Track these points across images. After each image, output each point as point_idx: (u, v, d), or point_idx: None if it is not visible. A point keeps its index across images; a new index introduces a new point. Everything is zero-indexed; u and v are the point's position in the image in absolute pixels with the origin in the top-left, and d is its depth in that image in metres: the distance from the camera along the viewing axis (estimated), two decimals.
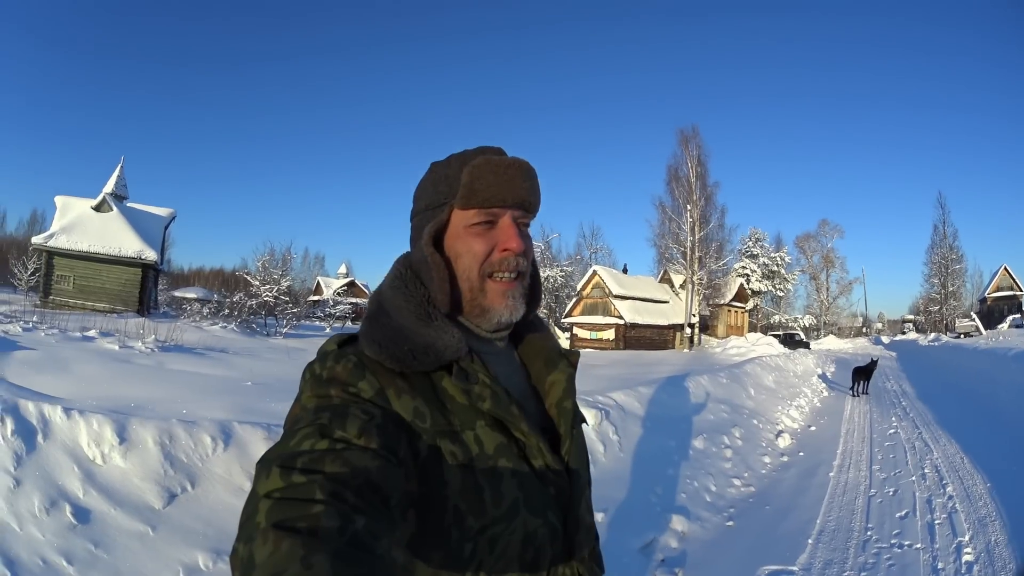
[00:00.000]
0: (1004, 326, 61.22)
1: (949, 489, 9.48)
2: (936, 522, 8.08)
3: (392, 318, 1.45)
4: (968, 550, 7.10)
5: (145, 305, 44.82)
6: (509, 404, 1.40)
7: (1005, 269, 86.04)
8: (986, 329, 60.22)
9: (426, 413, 1.34)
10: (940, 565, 6.78)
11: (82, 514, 4.95)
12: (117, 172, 48.40)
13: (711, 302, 63.24)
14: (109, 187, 46.85)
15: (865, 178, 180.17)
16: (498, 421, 1.40)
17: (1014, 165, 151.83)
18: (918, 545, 7.35)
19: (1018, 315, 70.22)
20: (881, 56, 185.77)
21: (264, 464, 1.12)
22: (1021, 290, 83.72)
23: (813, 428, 15.92)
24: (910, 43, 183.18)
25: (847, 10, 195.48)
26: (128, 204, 48.01)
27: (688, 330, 55.97)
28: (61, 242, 43.26)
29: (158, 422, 5.94)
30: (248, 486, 5.60)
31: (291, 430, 1.21)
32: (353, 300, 67.69)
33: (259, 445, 6.12)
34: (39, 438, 5.42)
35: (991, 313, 79.40)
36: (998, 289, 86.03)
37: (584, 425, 1.77)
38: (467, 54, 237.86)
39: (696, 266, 55.71)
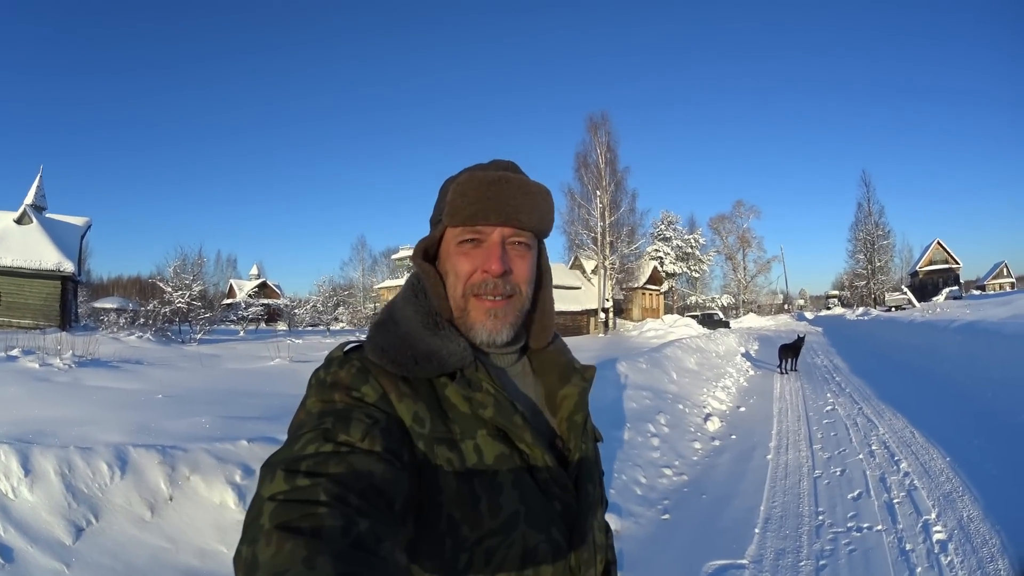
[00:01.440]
0: (940, 298, 63.81)
1: (904, 465, 9.41)
2: (895, 501, 7.94)
3: (400, 326, 1.47)
4: (938, 528, 6.94)
5: (66, 319, 44.48)
6: (512, 414, 1.40)
7: (939, 243, 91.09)
8: (919, 302, 61.93)
9: (425, 419, 1.35)
10: (908, 546, 6.59)
11: (6, 552, 5.04)
12: (36, 182, 47.71)
13: (624, 286, 64.68)
14: (29, 198, 46.19)
15: (784, 158, 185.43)
16: (501, 431, 1.40)
17: (945, 143, 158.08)
18: (879, 527, 7.18)
19: (955, 287, 73.16)
20: (795, 33, 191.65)
21: (268, 467, 1.15)
22: (957, 263, 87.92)
23: (743, 409, 16.04)
24: (826, 19, 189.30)
25: None
26: (47, 215, 47.35)
27: (602, 315, 56.80)
28: None
29: (57, 450, 5.96)
30: (148, 516, 5.80)
31: (295, 435, 1.24)
32: (265, 301, 68.02)
33: (155, 471, 6.13)
34: None
35: (924, 286, 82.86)
36: (931, 263, 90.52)
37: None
38: (370, 48, 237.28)
39: (607, 251, 57.06)
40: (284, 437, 1.30)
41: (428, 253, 1.58)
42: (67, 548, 5.18)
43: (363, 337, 1.50)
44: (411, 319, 1.47)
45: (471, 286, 1.48)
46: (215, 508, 6.02)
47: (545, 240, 1.64)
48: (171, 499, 5.90)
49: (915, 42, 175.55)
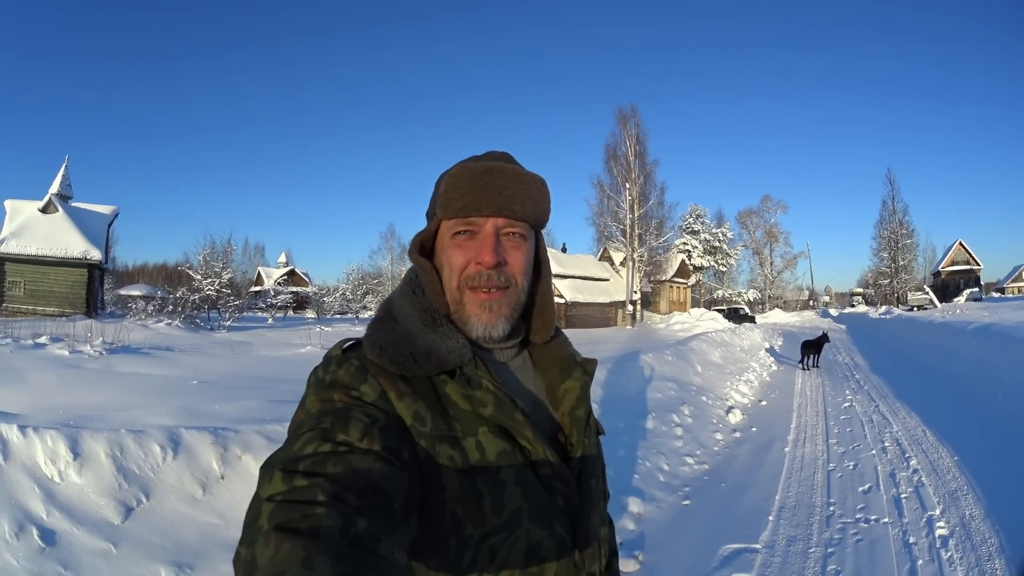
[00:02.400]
0: (960, 299, 62.98)
1: (913, 463, 9.59)
2: (903, 496, 8.15)
3: (398, 323, 1.47)
4: (941, 524, 7.15)
5: (93, 306, 44.52)
6: (513, 410, 1.40)
7: (960, 244, 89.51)
8: (940, 302, 61.42)
9: (426, 417, 1.35)
10: (912, 539, 6.82)
11: (48, 536, 4.98)
12: (61, 172, 47.80)
13: (652, 278, 64.13)
14: (54, 187, 46.36)
15: (812, 154, 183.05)
16: (502, 428, 1.39)
17: (969, 145, 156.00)
18: (885, 519, 7.40)
19: (975, 289, 72.48)
20: (827, 32, 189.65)
21: (267, 468, 1.15)
22: (978, 264, 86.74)
23: (764, 403, 16.15)
24: (858, 19, 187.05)
25: None
26: (72, 203, 47.49)
27: (630, 307, 56.55)
28: (11, 247, 42.87)
29: (108, 434, 5.93)
30: (199, 494, 5.81)
31: (294, 435, 1.25)
32: (293, 289, 67.29)
33: (207, 451, 6.15)
34: (0, 460, 5.40)
35: (945, 287, 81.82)
36: (953, 263, 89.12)
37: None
38: (398, 41, 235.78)
39: (636, 243, 56.45)
40: None
41: (425, 247, 1.58)
42: (115, 528, 5.22)
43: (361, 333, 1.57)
44: (409, 316, 1.48)
45: (465, 278, 1.48)
46: None
47: (543, 231, 1.65)
48: (222, 477, 6.00)
49: (945, 43, 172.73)
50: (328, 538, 0.99)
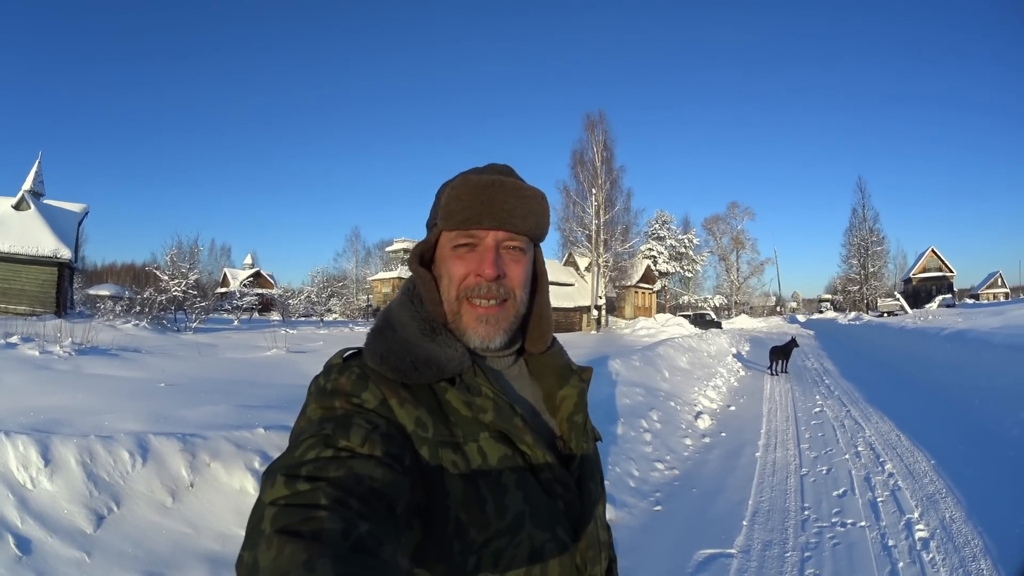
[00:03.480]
0: (933, 306, 63.91)
1: (888, 467, 9.60)
2: (879, 500, 8.13)
3: (397, 332, 1.48)
4: (920, 527, 7.12)
5: (62, 306, 43.99)
6: (512, 416, 1.41)
7: (933, 251, 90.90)
8: (912, 308, 62.10)
9: (428, 423, 1.35)
10: (891, 542, 6.79)
11: (24, 544, 4.98)
12: (35, 168, 47.32)
13: (618, 284, 64.55)
14: (28, 184, 45.75)
15: (780, 161, 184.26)
16: (503, 433, 1.40)
17: (943, 151, 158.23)
18: (862, 523, 7.38)
19: (948, 295, 73.37)
20: (795, 38, 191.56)
21: (269, 473, 1.15)
22: (951, 271, 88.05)
23: (733, 408, 16.22)
24: (825, 26, 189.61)
25: None
26: (44, 201, 46.92)
27: (595, 312, 56.72)
28: None
29: (78, 439, 5.93)
30: (169, 503, 5.82)
31: (296, 441, 1.25)
32: (259, 291, 67.22)
33: (176, 458, 6.13)
34: None
35: (917, 293, 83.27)
36: (925, 270, 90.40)
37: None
38: (362, 44, 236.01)
39: (601, 249, 56.74)
40: None
41: (424, 258, 1.60)
42: (88, 536, 5.19)
43: (359, 331, 1.50)
44: (408, 325, 1.49)
45: (464, 289, 1.50)
46: (235, 493, 6.09)
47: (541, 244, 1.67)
48: (192, 485, 5.94)
49: (912, 49, 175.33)
50: (330, 541, 0.99)
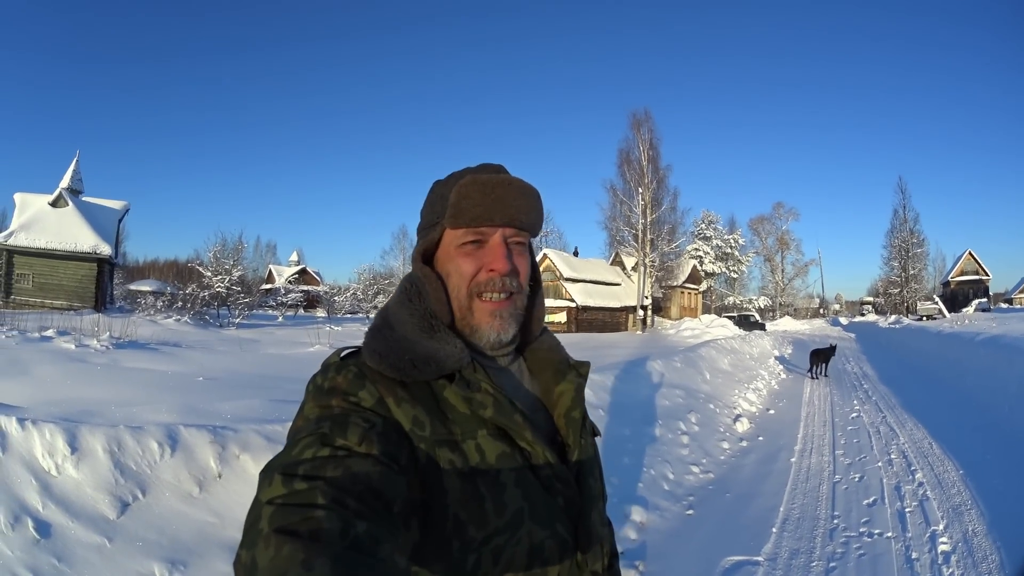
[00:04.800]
0: (969, 310, 62.97)
1: (919, 476, 9.49)
2: (907, 510, 8.07)
3: (395, 330, 1.49)
4: (944, 539, 7.08)
5: (101, 301, 44.85)
6: (512, 412, 1.41)
7: (970, 254, 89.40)
8: (950, 312, 61.31)
9: (425, 422, 1.36)
10: (914, 555, 6.74)
11: (43, 528, 4.97)
12: (72, 166, 48.41)
13: (664, 284, 64.19)
14: (65, 182, 46.86)
15: (823, 161, 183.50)
16: (501, 430, 1.41)
17: (980, 154, 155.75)
18: (889, 534, 7.32)
19: (984, 299, 72.41)
20: (839, 39, 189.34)
21: (267, 472, 1.16)
22: (987, 275, 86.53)
23: (772, 412, 16.07)
24: (871, 27, 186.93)
25: None
26: (83, 198, 47.92)
27: (641, 312, 56.33)
28: (20, 240, 43.22)
29: (107, 429, 5.89)
30: (196, 492, 5.78)
31: (293, 440, 1.25)
32: (304, 288, 67.64)
33: (205, 450, 6.10)
34: None
35: (954, 297, 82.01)
36: (962, 273, 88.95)
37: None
38: (413, 45, 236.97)
39: (648, 248, 56.45)
40: None
41: (425, 256, 1.60)
42: (110, 523, 5.17)
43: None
44: (406, 323, 1.49)
45: (476, 285, 1.50)
46: None
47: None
48: (220, 476, 5.95)
49: (955, 51, 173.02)
50: (328, 540, 1.00)
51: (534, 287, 1.68)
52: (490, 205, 1.48)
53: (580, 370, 1.69)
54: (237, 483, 5.98)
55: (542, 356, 1.69)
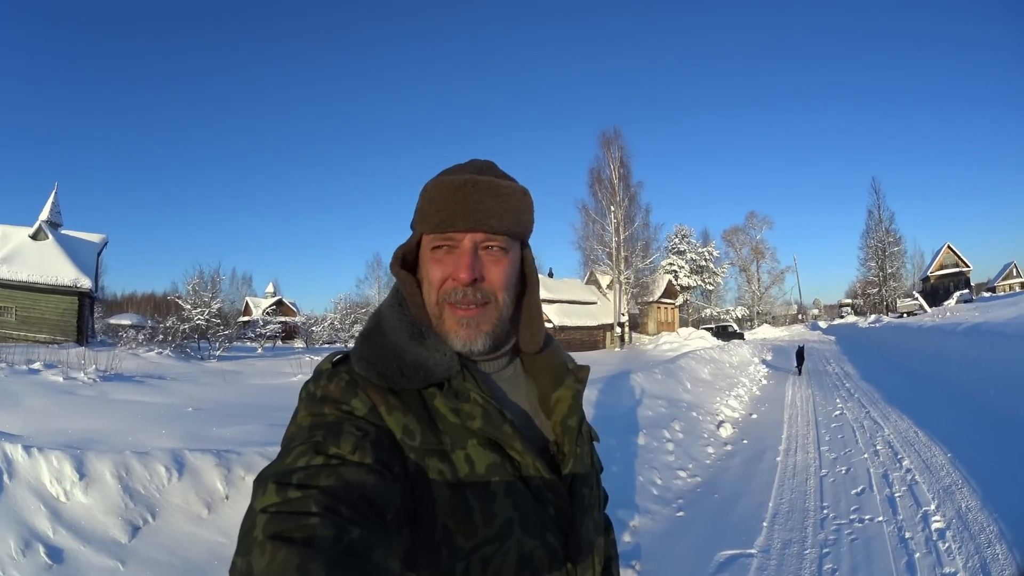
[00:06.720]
0: (951, 302, 63.22)
1: (906, 463, 9.69)
2: (896, 495, 8.25)
3: (386, 336, 1.47)
4: (937, 518, 7.25)
5: (84, 334, 44.19)
6: (501, 423, 1.40)
7: (948, 247, 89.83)
8: (931, 307, 61.79)
9: (415, 430, 1.35)
10: (908, 535, 6.90)
11: (55, 554, 5.06)
12: (51, 198, 47.88)
13: (640, 300, 64.14)
14: (44, 214, 46.15)
15: (794, 168, 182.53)
16: (492, 440, 1.39)
17: (953, 145, 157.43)
18: (880, 518, 7.49)
19: (966, 291, 72.88)
20: (801, 42, 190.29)
21: (260, 481, 1.17)
22: (967, 266, 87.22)
23: (755, 416, 16.25)
24: (835, 25, 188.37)
25: (765, 2, 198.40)
26: (62, 231, 47.20)
27: (618, 329, 56.54)
28: (3, 273, 42.44)
29: (113, 455, 6.04)
30: (205, 514, 5.95)
31: (287, 448, 1.25)
32: (282, 319, 67.27)
33: (211, 472, 6.28)
34: (5, 478, 5.51)
35: (935, 291, 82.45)
36: (942, 267, 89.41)
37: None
38: (383, 66, 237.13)
39: (622, 266, 56.43)
40: None
41: (407, 260, 1.57)
42: (122, 546, 5.29)
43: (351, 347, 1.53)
44: (397, 329, 1.48)
45: (443, 293, 1.47)
46: None
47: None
48: (227, 498, 6.04)
49: (920, 45, 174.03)
50: (322, 546, 1.02)
51: (526, 292, 1.62)
52: (453, 209, 1.45)
53: (579, 375, 1.67)
54: (244, 503, 5.95)
55: (541, 360, 1.66)
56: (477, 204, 1.45)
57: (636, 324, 66.52)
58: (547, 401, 1.60)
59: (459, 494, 1.32)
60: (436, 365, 1.41)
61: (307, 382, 1.43)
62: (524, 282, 1.61)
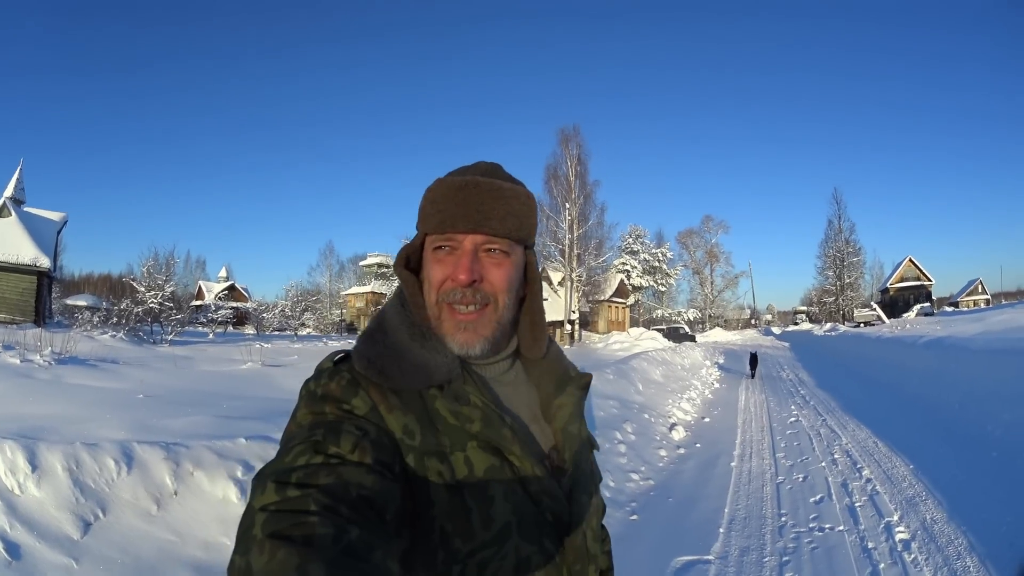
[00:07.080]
0: (911, 315, 64.40)
1: (866, 472, 9.66)
2: (857, 504, 8.18)
3: (389, 336, 1.46)
4: (900, 529, 7.16)
5: (41, 315, 43.60)
6: (501, 427, 1.38)
7: (910, 260, 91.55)
8: (889, 318, 62.59)
9: (415, 431, 1.33)
10: (870, 544, 6.83)
11: (13, 549, 5.08)
12: (16, 175, 47.33)
13: (591, 298, 64.52)
14: (9, 191, 45.43)
15: (754, 174, 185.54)
16: (491, 443, 1.37)
17: (919, 160, 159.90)
18: (841, 527, 7.42)
19: (927, 304, 74.00)
20: (767, 50, 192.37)
21: (260, 479, 1.15)
22: (929, 280, 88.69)
23: (707, 420, 16.31)
24: (799, 36, 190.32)
25: (728, 7, 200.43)
26: (25, 208, 46.56)
27: (568, 327, 56.75)
28: None
29: (64, 447, 6.04)
30: (154, 510, 5.94)
31: (287, 447, 1.24)
32: (234, 304, 66.96)
33: (160, 467, 6.25)
34: None
35: (894, 303, 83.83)
36: (902, 279, 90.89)
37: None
38: (342, 59, 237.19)
39: (575, 263, 56.85)
40: (279, 436, 1.35)
41: (411, 260, 1.57)
42: (75, 543, 5.25)
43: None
44: (399, 329, 1.47)
45: (443, 294, 1.46)
46: (218, 502, 6.14)
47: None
48: (176, 494, 6.02)
49: (886, 59, 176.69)
50: (321, 545, 1.00)
51: (528, 296, 1.59)
52: (454, 209, 1.43)
53: (580, 382, 1.64)
54: (193, 500, 6.10)
55: (543, 366, 1.63)
56: (478, 205, 1.44)
57: (586, 322, 67.01)
58: (548, 407, 1.57)
59: (457, 496, 1.31)
60: (437, 367, 1.40)
61: (308, 380, 1.41)
62: (527, 285, 1.60)
